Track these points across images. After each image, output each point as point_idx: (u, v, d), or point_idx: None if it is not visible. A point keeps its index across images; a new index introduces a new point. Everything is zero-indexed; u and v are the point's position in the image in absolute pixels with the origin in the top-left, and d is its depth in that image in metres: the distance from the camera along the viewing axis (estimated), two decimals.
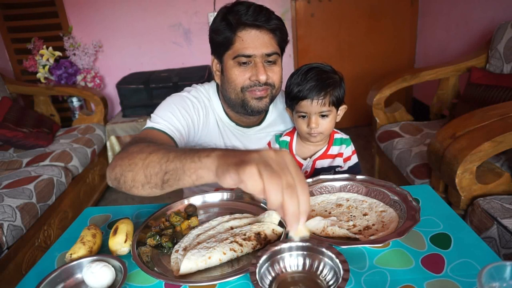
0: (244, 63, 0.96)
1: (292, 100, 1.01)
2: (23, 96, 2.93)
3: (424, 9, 3.00)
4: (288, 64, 3.19)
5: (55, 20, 3.00)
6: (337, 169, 1.10)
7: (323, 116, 1.00)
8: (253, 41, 0.94)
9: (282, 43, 1.01)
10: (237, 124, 1.12)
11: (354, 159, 1.11)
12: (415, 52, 3.20)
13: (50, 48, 2.86)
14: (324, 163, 1.09)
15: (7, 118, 2.27)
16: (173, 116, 1.00)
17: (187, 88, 1.11)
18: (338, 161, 1.09)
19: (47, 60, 2.87)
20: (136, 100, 2.70)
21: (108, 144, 2.66)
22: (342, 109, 1.05)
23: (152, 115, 1.03)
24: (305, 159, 1.09)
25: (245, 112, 1.05)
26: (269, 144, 1.14)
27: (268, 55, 0.96)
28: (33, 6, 2.95)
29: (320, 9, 3.06)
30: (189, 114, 1.04)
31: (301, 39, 3.15)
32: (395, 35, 3.15)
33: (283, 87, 1.09)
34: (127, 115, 2.74)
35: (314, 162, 1.08)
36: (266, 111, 1.15)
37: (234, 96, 1.02)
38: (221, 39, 0.97)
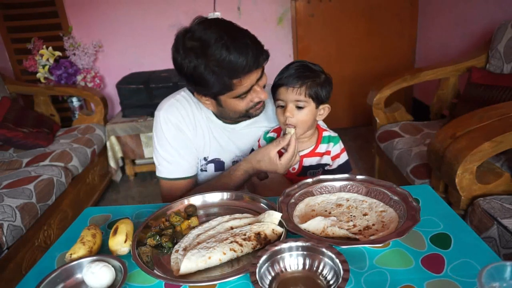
0: (245, 95, 0.98)
1: (273, 89, 1.04)
2: (23, 96, 2.92)
3: (424, 9, 3.00)
4: None
5: (55, 20, 3.00)
6: (326, 168, 1.11)
7: (299, 108, 1.01)
8: (251, 79, 0.95)
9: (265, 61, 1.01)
10: (225, 122, 1.14)
11: (344, 157, 1.11)
12: (415, 52, 3.20)
13: (50, 48, 2.86)
14: (312, 161, 1.10)
15: (7, 118, 2.27)
16: (179, 153, 1.08)
17: (172, 102, 1.09)
18: (326, 159, 1.10)
19: (47, 60, 2.87)
20: (136, 100, 2.70)
21: (108, 144, 2.66)
22: (325, 108, 1.05)
23: (158, 157, 1.10)
24: None
25: (245, 119, 1.11)
26: (259, 140, 1.16)
27: (259, 77, 0.98)
28: (33, 6, 2.95)
29: (320, 9, 3.06)
30: (189, 138, 1.09)
31: (301, 39, 3.14)
32: (395, 35, 3.15)
33: None
34: (127, 115, 2.74)
35: (301, 159, 1.09)
36: None
37: (237, 116, 1.06)
38: (217, 87, 0.95)
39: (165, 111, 1.08)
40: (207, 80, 0.92)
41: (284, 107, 1.02)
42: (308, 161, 1.10)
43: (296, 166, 1.10)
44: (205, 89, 0.97)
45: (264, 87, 1.03)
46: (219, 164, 1.17)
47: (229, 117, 1.08)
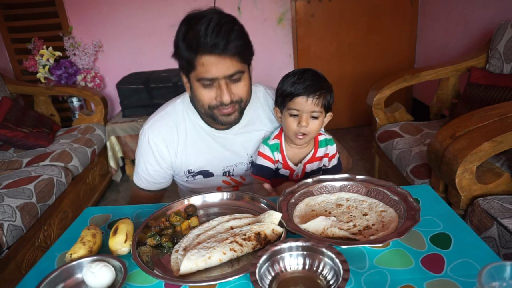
0: (208, 84, 0.97)
1: (286, 97, 1.02)
2: (23, 96, 2.92)
3: (424, 9, 3.00)
4: (288, 64, 3.18)
5: (55, 20, 3.00)
6: (322, 168, 1.15)
7: (313, 117, 1.02)
8: (213, 66, 0.93)
9: (246, 59, 0.99)
10: (217, 128, 1.13)
11: (337, 156, 1.15)
12: (415, 52, 3.20)
13: (50, 48, 2.86)
14: (313, 166, 1.13)
15: (7, 118, 2.27)
16: (148, 171, 1.15)
17: (158, 118, 1.14)
18: (325, 161, 1.13)
19: (47, 60, 2.87)
20: (136, 100, 2.70)
21: (108, 144, 2.66)
22: (329, 116, 1.07)
23: (136, 163, 1.19)
24: (296, 164, 1.11)
25: (216, 124, 1.10)
26: (259, 151, 1.12)
27: (231, 75, 0.96)
28: (33, 6, 2.95)
29: (320, 9, 3.06)
30: (162, 157, 1.13)
31: (301, 39, 3.14)
32: (395, 35, 3.15)
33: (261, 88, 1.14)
34: (127, 115, 2.74)
35: (304, 166, 1.11)
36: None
37: (203, 111, 1.05)
38: (183, 61, 0.97)
39: (148, 128, 1.13)
40: (177, 46, 0.96)
41: (297, 116, 1.01)
42: (309, 167, 1.12)
43: (300, 173, 1.13)
44: (178, 60, 0.99)
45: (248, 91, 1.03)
46: (207, 176, 1.18)
47: (201, 114, 1.09)
